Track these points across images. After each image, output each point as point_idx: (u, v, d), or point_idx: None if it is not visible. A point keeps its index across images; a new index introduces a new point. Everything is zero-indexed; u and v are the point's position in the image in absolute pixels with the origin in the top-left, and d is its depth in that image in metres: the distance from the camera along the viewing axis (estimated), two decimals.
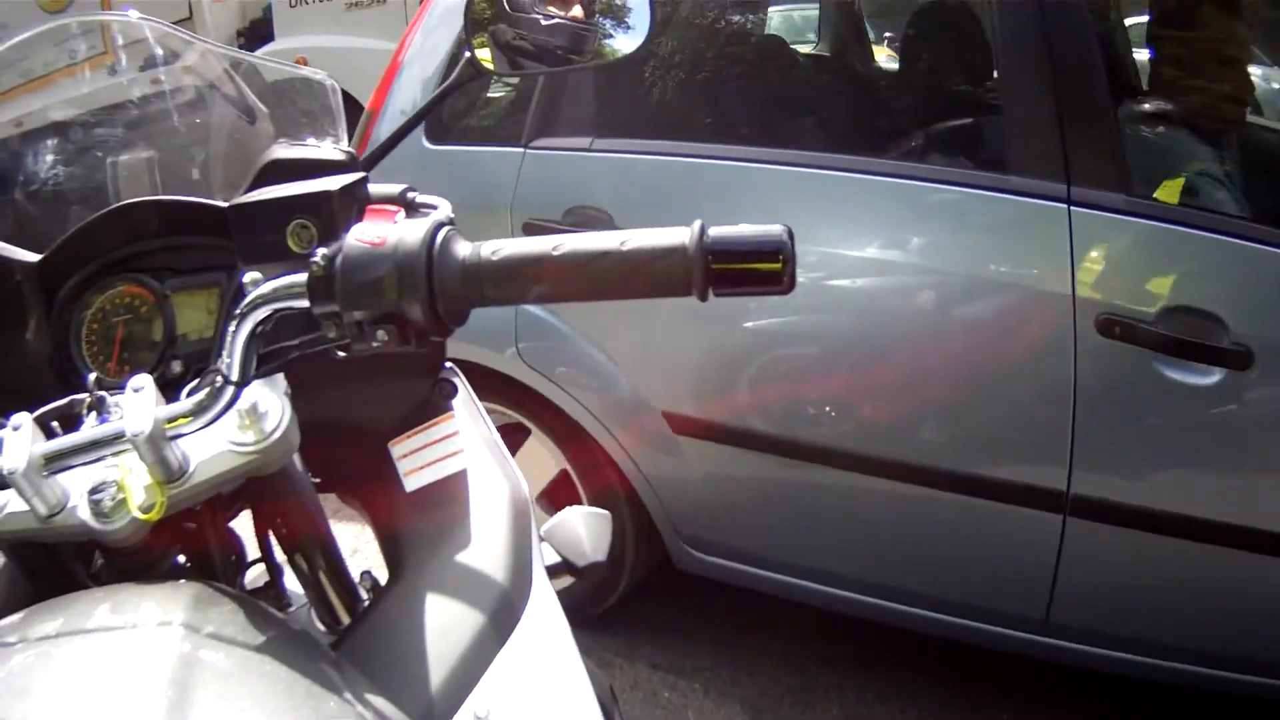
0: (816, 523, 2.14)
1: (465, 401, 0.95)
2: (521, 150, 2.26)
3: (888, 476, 1.99)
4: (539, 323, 2.25)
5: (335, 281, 0.66)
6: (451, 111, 2.45)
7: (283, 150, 0.91)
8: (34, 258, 0.91)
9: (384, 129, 2.46)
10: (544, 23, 1.19)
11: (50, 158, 1.06)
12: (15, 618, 0.64)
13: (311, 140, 0.97)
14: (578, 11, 1.20)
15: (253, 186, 0.86)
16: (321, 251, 0.67)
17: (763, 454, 2.09)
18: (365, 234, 0.68)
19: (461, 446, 0.90)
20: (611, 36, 1.24)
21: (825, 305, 2.03)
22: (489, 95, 2.55)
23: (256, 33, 6.28)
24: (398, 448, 0.90)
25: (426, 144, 2.38)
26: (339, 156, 0.90)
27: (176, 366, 0.89)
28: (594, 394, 2.23)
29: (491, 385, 2.25)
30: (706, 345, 2.13)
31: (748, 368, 2.09)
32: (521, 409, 2.34)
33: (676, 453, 2.18)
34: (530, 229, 2.21)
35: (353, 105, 6.38)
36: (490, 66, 1.18)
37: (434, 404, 0.92)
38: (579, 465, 2.33)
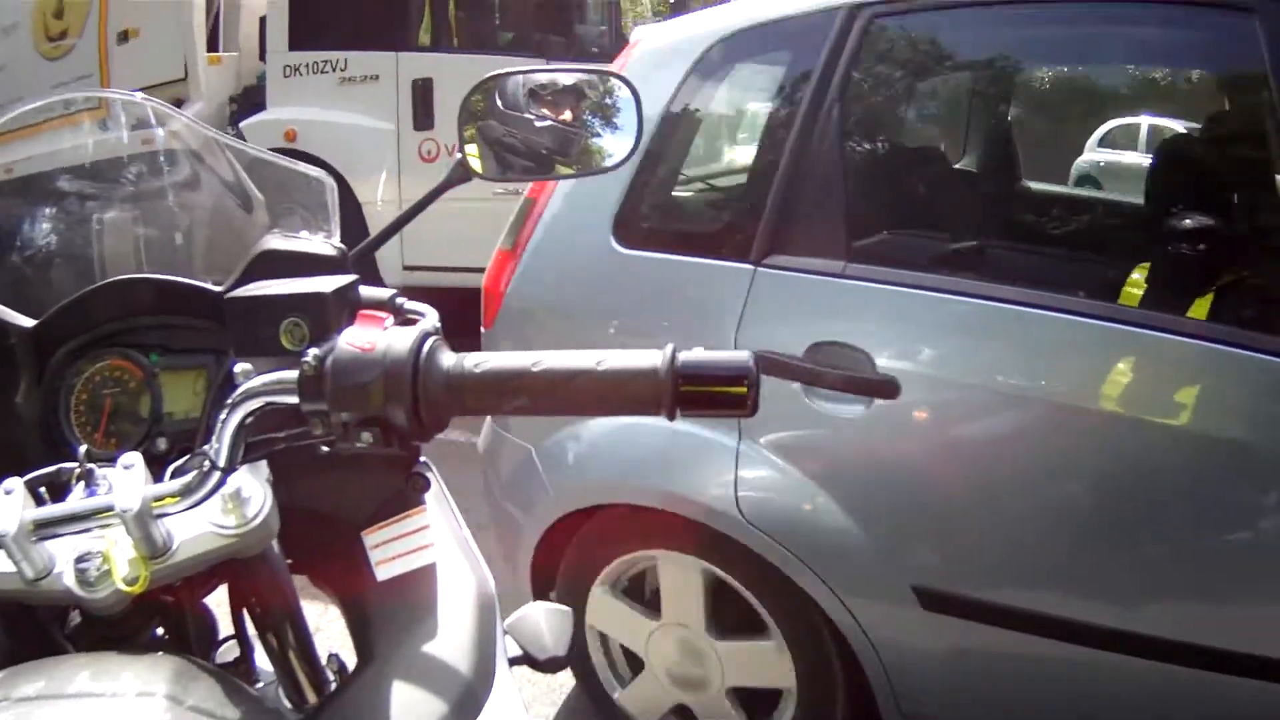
0: (1081, 710, 1.80)
1: (437, 496, 0.97)
2: (751, 268, 1.88)
3: (1186, 664, 1.63)
4: (767, 475, 1.87)
5: (325, 382, 0.69)
6: (648, 212, 2.10)
7: (276, 241, 0.94)
8: (29, 322, 0.93)
9: (555, 216, 2.14)
10: (537, 124, 1.23)
11: (40, 216, 1.08)
12: None
13: (305, 234, 0.99)
14: (568, 115, 1.25)
15: (245, 274, 0.90)
16: (313, 352, 0.70)
17: (1031, 635, 1.74)
18: (356, 339, 0.70)
19: (432, 540, 0.93)
20: (600, 136, 1.28)
21: (1116, 481, 1.71)
22: (697, 194, 2.32)
23: (249, 99, 6.23)
24: (371, 537, 0.92)
25: (617, 248, 2.02)
26: (330, 252, 0.93)
27: (162, 443, 0.91)
28: (828, 560, 1.84)
29: (674, 530, 1.96)
30: (977, 516, 1.78)
31: (1023, 539, 1.75)
32: (717, 556, 1.96)
33: (920, 628, 1.81)
34: (766, 364, 1.81)
35: (341, 184, 6.41)
36: (478, 169, 1.20)
37: (407, 497, 0.94)
38: (773, 603, 1.95)
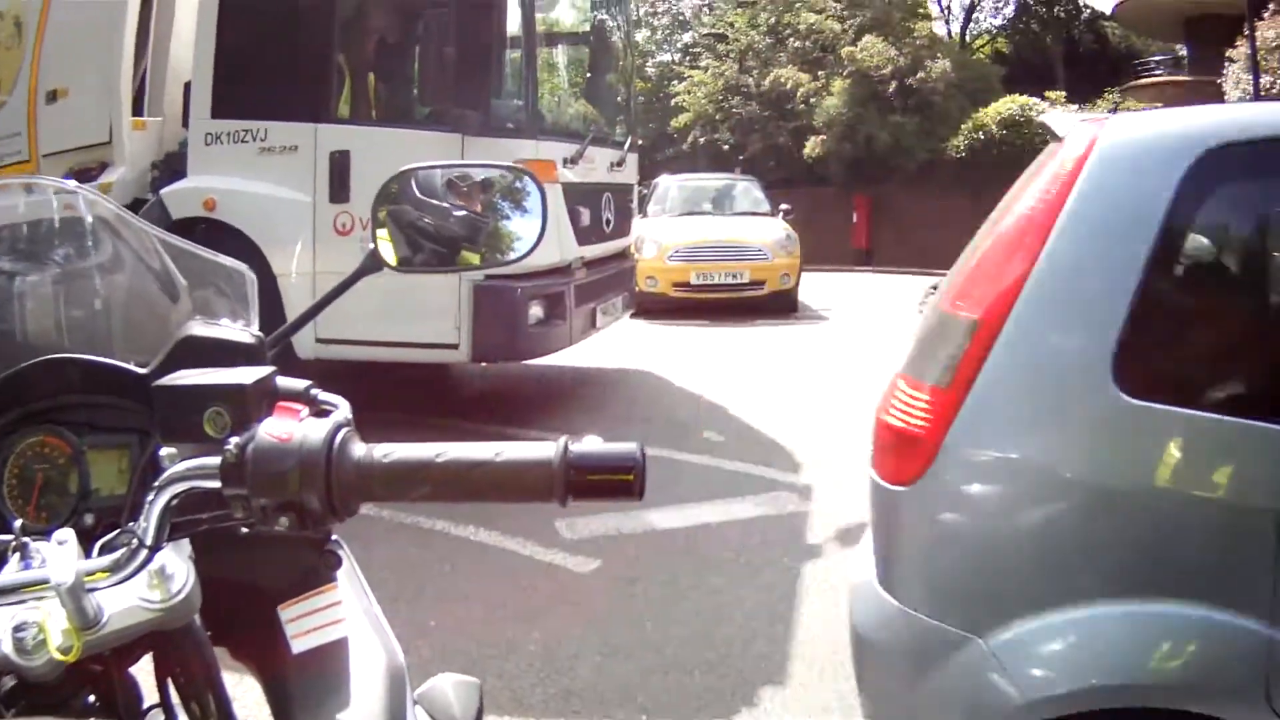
0: None
1: (348, 573, 1.03)
2: None
3: None
4: None
5: (245, 469, 0.74)
6: (1167, 352, 1.72)
7: (198, 328, 0.99)
8: None
9: (1019, 344, 1.68)
10: (454, 213, 1.31)
11: None
12: None
13: (225, 321, 1.04)
14: (478, 207, 1.33)
15: (169, 359, 0.95)
16: (235, 440, 0.75)
17: None
18: (274, 429, 0.75)
19: (344, 615, 0.98)
20: (508, 224, 1.35)
21: None
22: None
23: (171, 165, 6.15)
24: (286, 611, 0.97)
25: (1124, 397, 1.60)
26: (249, 340, 0.99)
27: (89, 519, 0.95)
28: None
29: None
30: None
31: None
32: None
33: None
34: None
35: (256, 254, 6.06)
36: (389, 259, 1.26)
37: (320, 573, 0.99)
38: None
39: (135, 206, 5.87)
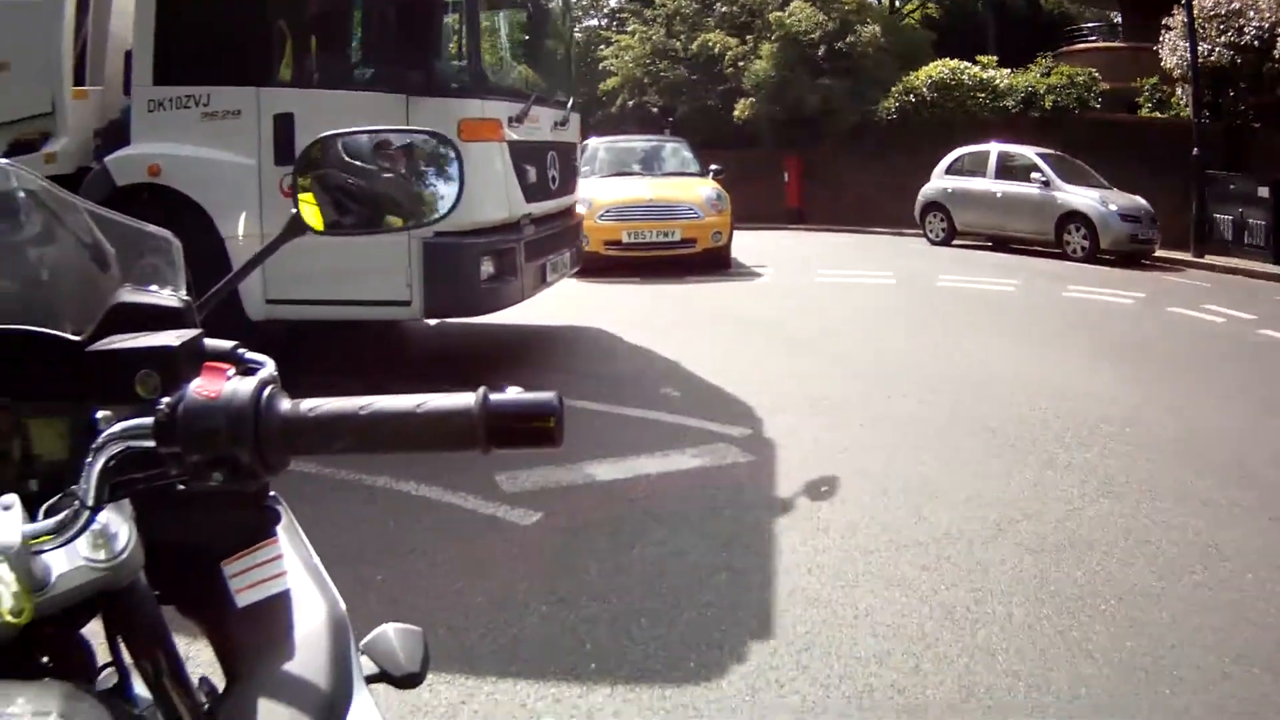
0: None
1: (288, 527, 1.04)
2: None
3: None
4: None
5: (177, 427, 0.75)
6: None
7: (129, 295, 0.99)
8: None
9: None
10: (383, 176, 1.31)
11: None
12: None
13: (154, 287, 1.04)
14: (403, 169, 1.34)
15: (100, 326, 0.95)
16: (166, 400, 0.77)
17: None
18: (203, 388, 0.77)
19: (285, 569, 1.00)
20: (432, 188, 1.37)
21: None
22: None
23: (114, 133, 6.02)
24: (229, 567, 0.99)
25: None
26: (177, 305, 0.99)
27: (33, 484, 0.93)
28: None
29: None
30: None
31: None
32: None
33: None
34: None
35: (202, 217, 5.93)
36: (313, 222, 1.27)
37: (260, 528, 1.01)
38: None
39: (78, 176, 5.77)
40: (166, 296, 1.01)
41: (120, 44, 6.26)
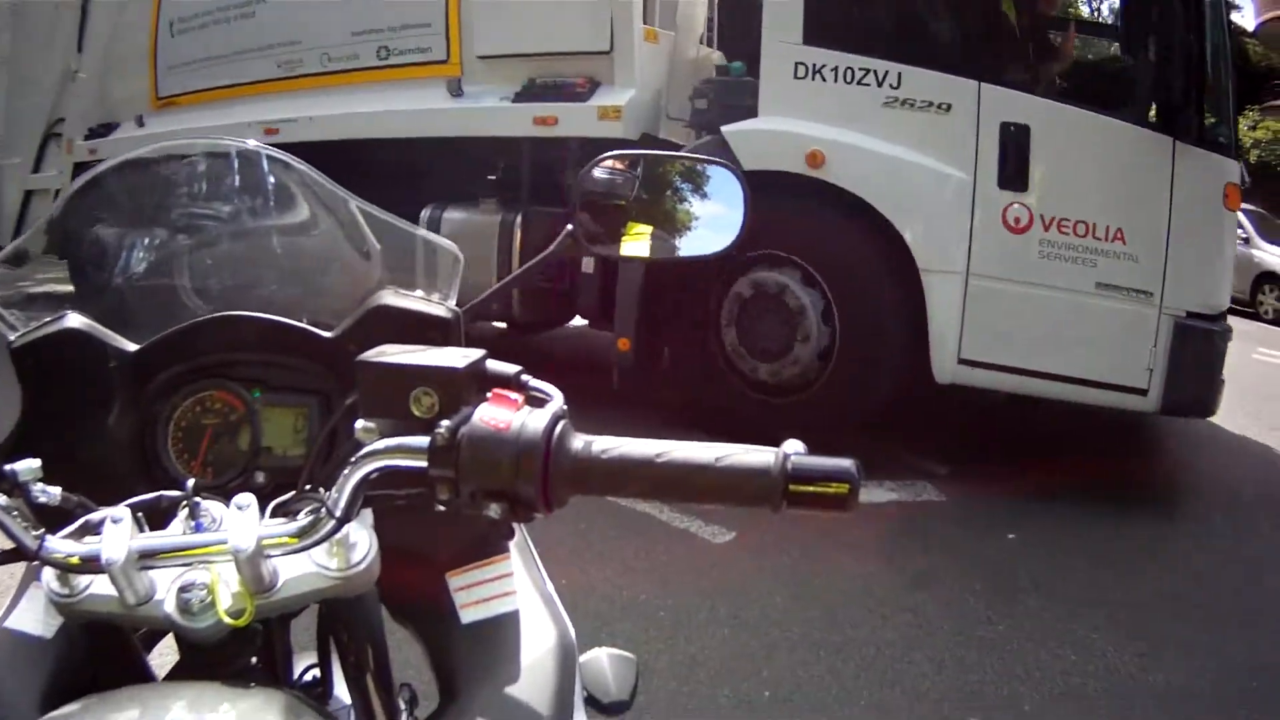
0: None
1: (521, 545, 0.98)
2: None
3: None
4: None
5: (457, 453, 0.70)
6: None
7: (391, 297, 0.95)
8: (132, 347, 0.94)
9: None
10: (666, 205, 1.19)
11: (147, 239, 1.08)
12: (87, 703, 0.67)
13: (420, 292, 0.98)
14: (688, 199, 1.17)
15: (358, 325, 0.93)
16: (446, 424, 0.71)
17: None
18: (492, 417, 0.72)
19: (515, 588, 0.94)
20: (709, 214, 1.19)
21: None
22: None
23: (711, 96, 4.70)
24: (455, 579, 0.94)
25: None
26: (445, 315, 0.94)
27: (260, 477, 0.92)
28: None
29: None
30: None
31: None
32: None
33: None
34: None
35: (880, 235, 4.22)
36: (592, 245, 1.14)
37: (491, 543, 0.95)
38: None
39: (634, 146, 4.50)
40: (434, 304, 0.96)
41: None
